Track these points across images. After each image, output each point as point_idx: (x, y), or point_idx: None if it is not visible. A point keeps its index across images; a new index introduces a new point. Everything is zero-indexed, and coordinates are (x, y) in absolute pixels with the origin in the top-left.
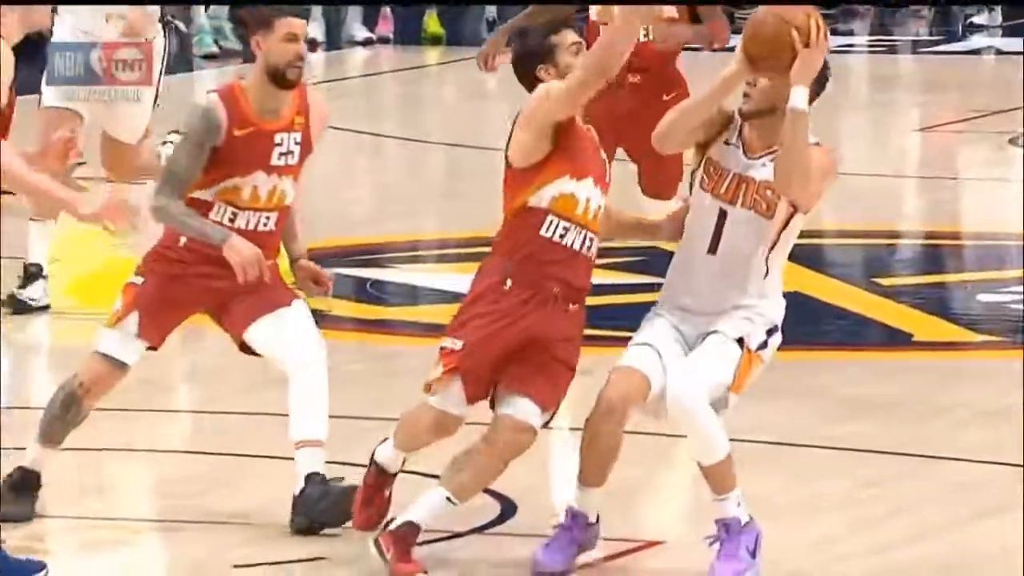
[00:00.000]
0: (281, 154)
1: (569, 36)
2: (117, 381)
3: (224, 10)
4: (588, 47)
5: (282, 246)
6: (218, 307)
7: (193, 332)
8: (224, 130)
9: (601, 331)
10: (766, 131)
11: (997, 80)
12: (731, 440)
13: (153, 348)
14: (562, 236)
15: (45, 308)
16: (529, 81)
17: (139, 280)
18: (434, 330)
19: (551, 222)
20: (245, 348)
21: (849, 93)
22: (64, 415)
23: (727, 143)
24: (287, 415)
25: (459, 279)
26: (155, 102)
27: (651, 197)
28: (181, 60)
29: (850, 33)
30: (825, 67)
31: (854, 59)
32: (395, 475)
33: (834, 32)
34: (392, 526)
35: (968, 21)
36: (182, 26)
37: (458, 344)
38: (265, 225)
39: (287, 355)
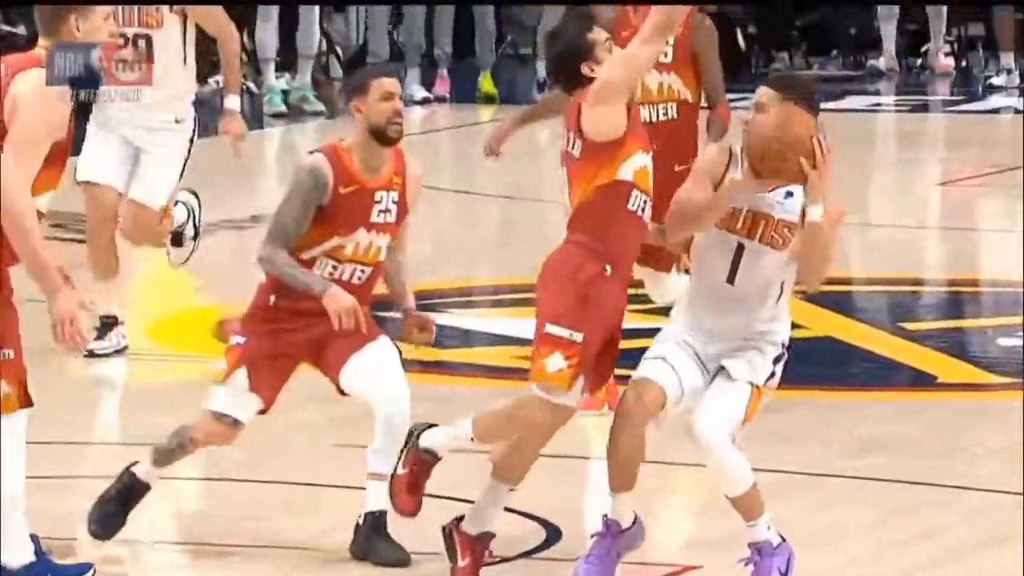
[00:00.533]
0: (380, 211)
1: (602, 33)
2: (232, 439)
3: (307, 78)
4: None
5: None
6: (315, 355)
7: None
8: (330, 187)
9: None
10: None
11: (1014, 138)
12: (759, 470)
13: (264, 410)
14: (642, 209)
15: (122, 351)
16: (572, 81)
17: (240, 340)
18: (489, 371)
19: (635, 195)
20: (344, 391)
21: (876, 150)
22: (173, 454)
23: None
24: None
25: (511, 323)
26: (182, 172)
27: (645, 265)
28: (253, 118)
29: (877, 93)
30: (813, 96)
31: (881, 118)
32: (440, 460)
33: (863, 93)
34: (473, 532)
35: (988, 82)
36: (254, 87)
37: (578, 336)
38: (359, 278)
39: (373, 391)
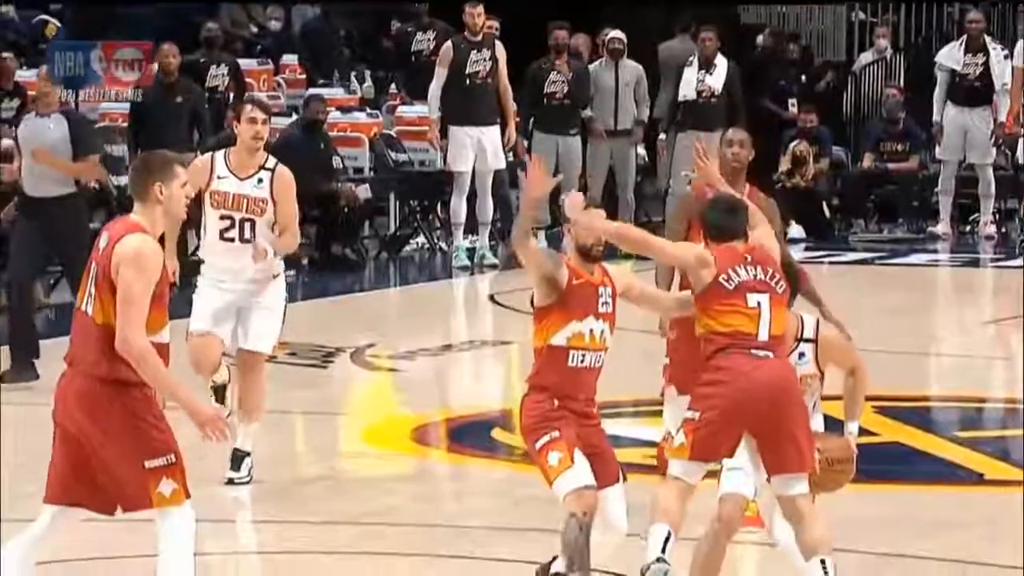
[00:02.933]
0: (603, 303)
1: None
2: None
3: (485, 239)
4: None
5: None
6: None
7: None
8: (567, 277)
9: None
10: None
11: None
12: (843, 551)
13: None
14: None
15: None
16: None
17: (555, 433)
18: (631, 468)
19: None
20: None
21: (937, 297)
22: (578, 546)
23: None
24: None
25: (645, 430)
26: (283, 321)
27: None
28: (443, 269)
29: (935, 252)
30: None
31: (940, 271)
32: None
33: (924, 251)
34: None
35: (1022, 244)
36: (445, 246)
37: None
38: (597, 363)
39: (604, 526)
